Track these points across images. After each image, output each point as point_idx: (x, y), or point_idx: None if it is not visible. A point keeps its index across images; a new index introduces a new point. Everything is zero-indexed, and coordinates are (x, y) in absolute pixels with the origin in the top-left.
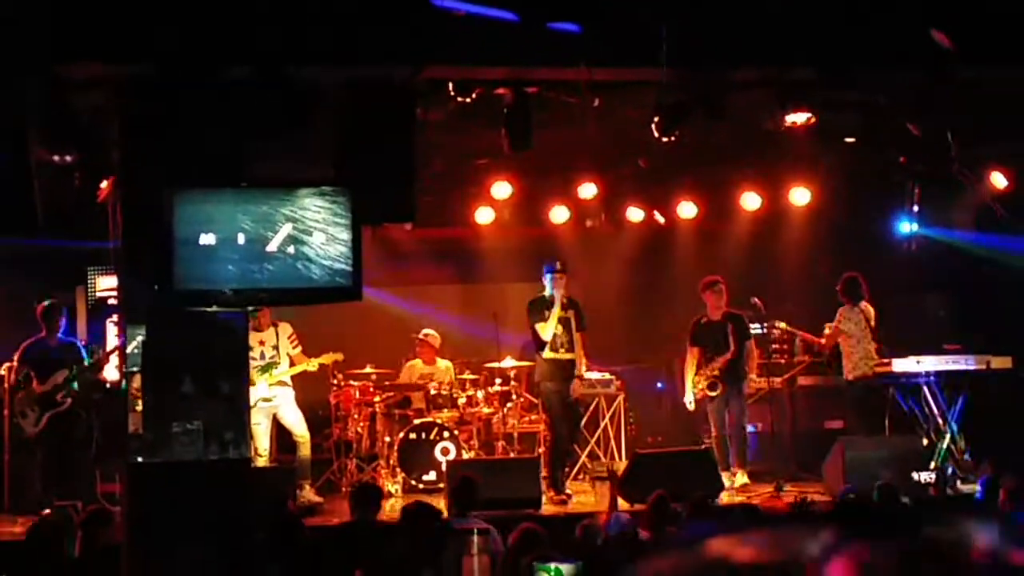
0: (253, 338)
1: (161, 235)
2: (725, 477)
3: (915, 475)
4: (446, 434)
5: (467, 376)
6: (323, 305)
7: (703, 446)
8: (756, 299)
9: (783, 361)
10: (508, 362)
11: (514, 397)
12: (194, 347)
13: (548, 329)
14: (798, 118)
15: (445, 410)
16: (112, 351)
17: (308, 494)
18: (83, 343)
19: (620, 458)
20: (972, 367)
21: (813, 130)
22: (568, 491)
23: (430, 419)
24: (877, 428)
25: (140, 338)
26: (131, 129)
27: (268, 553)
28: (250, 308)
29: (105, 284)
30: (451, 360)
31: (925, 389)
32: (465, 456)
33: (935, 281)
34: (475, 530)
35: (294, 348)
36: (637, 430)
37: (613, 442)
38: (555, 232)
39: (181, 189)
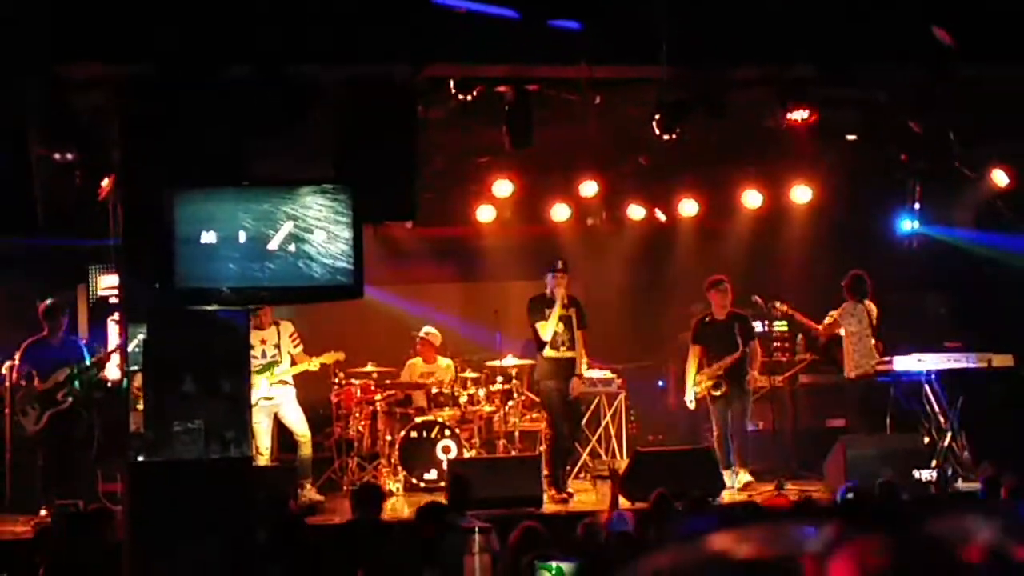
0: (254, 337)
1: (162, 234)
2: (726, 476)
3: (916, 473)
4: (447, 432)
5: (468, 374)
6: (324, 304)
7: (704, 445)
8: (757, 297)
9: (784, 359)
10: (509, 360)
11: (515, 395)
12: (195, 346)
13: (548, 328)
14: (799, 116)
15: (446, 408)
16: (113, 350)
17: (309, 493)
18: (85, 342)
19: (621, 456)
20: (973, 365)
21: (814, 128)
22: (569, 490)
23: (431, 418)
24: (878, 426)
25: (141, 337)
26: (131, 128)
27: (269, 552)
28: (251, 307)
29: (106, 283)
30: (452, 358)
31: (926, 387)
32: (466, 455)
33: (936, 279)
34: (476, 528)
35: (295, 347)
36: (638, 428)
37: (614, 440)
38: (556, 230)
39: (182, 188)
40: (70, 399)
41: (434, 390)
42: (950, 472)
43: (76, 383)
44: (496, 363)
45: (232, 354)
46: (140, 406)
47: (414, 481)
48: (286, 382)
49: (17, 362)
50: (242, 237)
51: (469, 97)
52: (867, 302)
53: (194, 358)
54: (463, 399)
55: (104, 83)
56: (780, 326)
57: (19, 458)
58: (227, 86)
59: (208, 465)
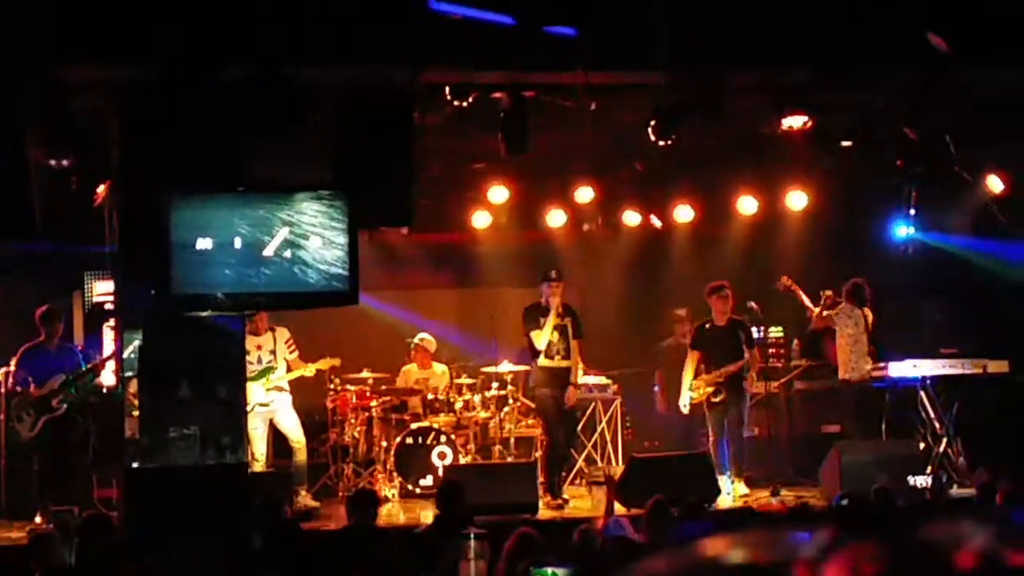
0: (250, 343)
1: (158, 240)
2: (722, 481)
3: (911, 479)
4: (443, 439)
5: (464, 380)
6: (320, 309)
7: (700, 450)
8: (753, 303)
9: (780, 365)
10: (505, 366)
11: (511, 402)
12: (191, 352)
13: (543, 337)
14: (795, 122)
15: (442, 415)
16: (109, 356)
17: (305, 499)
18: (80, 348)
19: (617, 462)
20: (968, 371)
21: (810, 134)
22: (565, 496)
23: (427, 424)
24: (874, 432)
25: (137, 343)
26: (129, 132)
27: (265, 558)
28: (247, 312)
29: (102, 288)
30: (448, 364)
31: (922, 393)
32: (462, 461)
33: (932, 285)
34: (472, 535)
35: (291, 353)
36: (634, 434)
37: (610, 446)
38: (552, 236)
39: (178, 193)
40: (65, 405)
41: (430, 396)
42: (945, 478)
43: (72, 389)
44: (492, 369)
45: (228, 360)
46: (136, 412)
47: (410, 487)
48: (282, 388)
49: (13, 368)
50: (238, 243)
51: (465, 103)
52: (865, 309)
53: (190, 364)
54: (459, 405)
55: (102, 86)
56: (776, 332)
57: (14, 464)
58: (225, 90)
59: (204, 471)
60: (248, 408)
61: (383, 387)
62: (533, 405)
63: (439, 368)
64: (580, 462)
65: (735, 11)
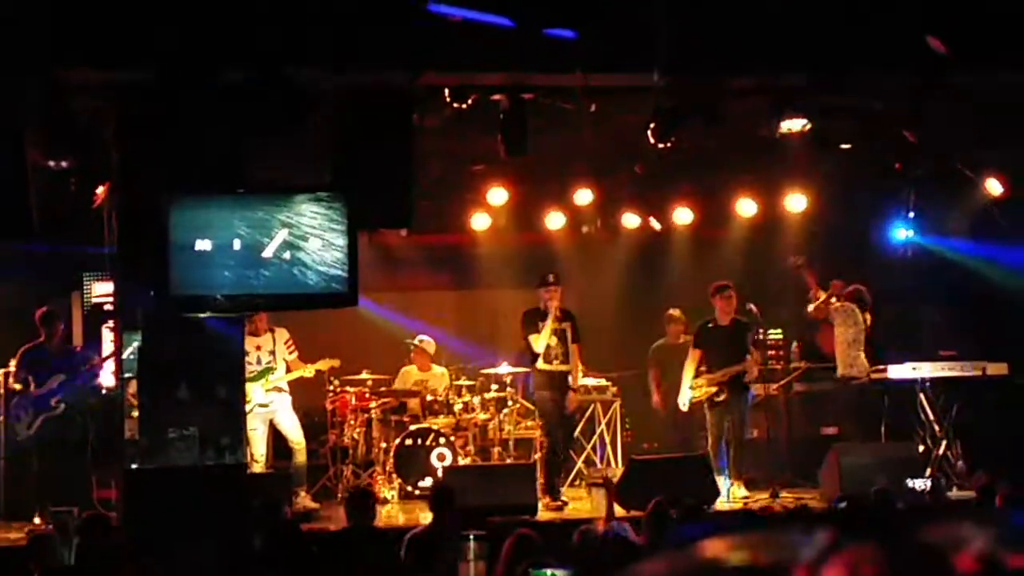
0: (249, 343)
1: (157, 241)
2: (720, 481)
3: (910, 482)
4: (442, 440)
5: (463, 382)
6: (319, 311)
7: (699, 452)
8: (752, 305)
9: (779, 367)
10: (504, 368)
11: (510, 403)
12: (190, 353)
13: (541, 341)
14: (794, 125)
15: (441, 416)
16: (107, 357)
17: (304, 500)
18: (80, 349)
19: (616, 464)
20: (968, 373)
21: (809, 137)
22: (563, 497)
23: (426, 425)
24: (873, 434)
25: (136, 344)
26: (128, 133)
27: (264, 559)
28: (246, 314)
29: (101, 289)
30: (447, 366)
31: (921, 395)
32: (461, 462)
33: (931, 287)
34: (471, 536)
35: (291, 353)
36: (633, 436)
37: (609, 448)
38: (551, 238)
39: (177, 195)
40: (63, 405)
41: (429, 398)
42: (944, 480)
43: (71, 391)
44: (491, 370)
45: (227, 361)
46: (135, 413)
47: (409, 489)
48: (281, 389)
49: (14, 368)
50: (237, 244)
51: (464, 105)
52: (866, 313)
53: (189, 365)
54: (458, 407)
55: (101, 87)
56: (775, 334)
57: (13, 465)
58: (224, 91)
59: (203, 472)
60: (247, 409)
61: (382, 388)
62: (532, 407)
63: (438, 370)
64: (579, 464)
65: (734, 14)
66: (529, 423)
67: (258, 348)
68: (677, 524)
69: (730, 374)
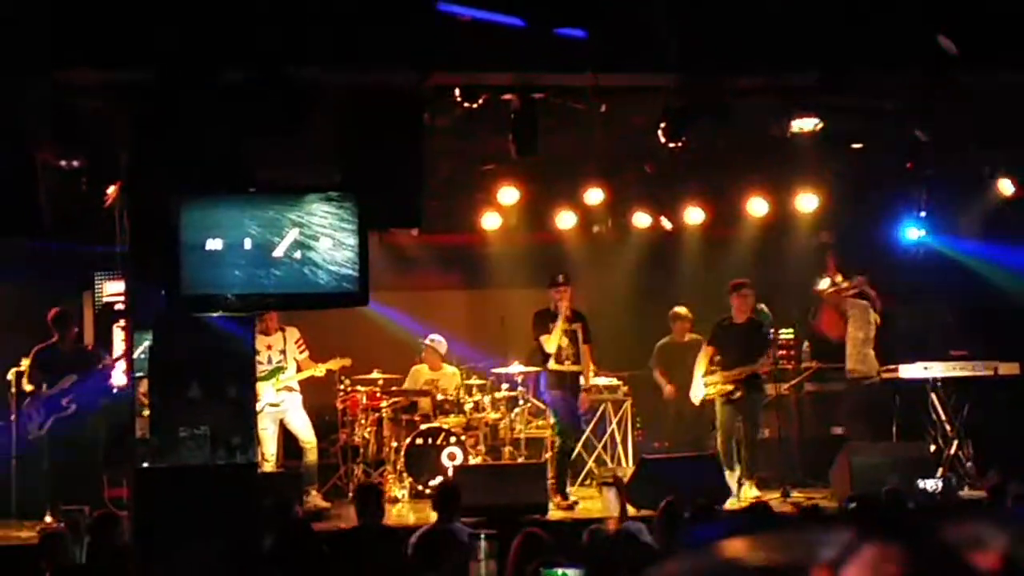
0: (260, 343)
1: (168, 240)
2: (729, 477)
3: (921, 482)
4: (453, 439)
5: (474, 381)
6: (330, 310)
7: (710, 452)
8: (763, 305)
9: (790, 367)
10: (515, 367)
11: (521, 402)
12: (201, 352)
13: (552, 342)
14: (804, 124)
15: (452, 415)
16: (119, 358)
17: (315, 499)
18: (92, 348)
19: (627, 463)
20: (979, 373)
21: (820, 136)
22: (573, 497)
23: (437, 424)
24: (883, 434)
25: (147, 343)
26: (137, 133)
27: (275, 558)
28: (257, 313)
29: (112, 289)
30: (458, 366)
31: (932, 395)
32: (472, 461)
33: (942, 287)
34: (482, 535)
35: (301, 353)
36: (644, 435)
37: (620, 447)
38: (561, 238)
39: (188, 194)
40: (75, 406)
41: (440, 397)
42: (954, 481)
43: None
44: (502, 370)
45: (238, 360)
46: (146, 412)
47: (419, 488)
48: (292, 388)
49: (27, 368)
50: (248, 244)
51: (475, 105)
52: (875, 312)
53: (200, 364)
54: (468, 406)
55: (109, 88)
56: (786, 334)
57: (25, 464)
58: (233, 91)
59: (214, 471)
60: (258, 408)
61: (393, 388)
62: (543, 406)
63: (449, 369)
64: (590, 463)
65: (744, 13)
66: (540, 422)
67: (269, 348)
68: (689, 524)
69: (746, 372)
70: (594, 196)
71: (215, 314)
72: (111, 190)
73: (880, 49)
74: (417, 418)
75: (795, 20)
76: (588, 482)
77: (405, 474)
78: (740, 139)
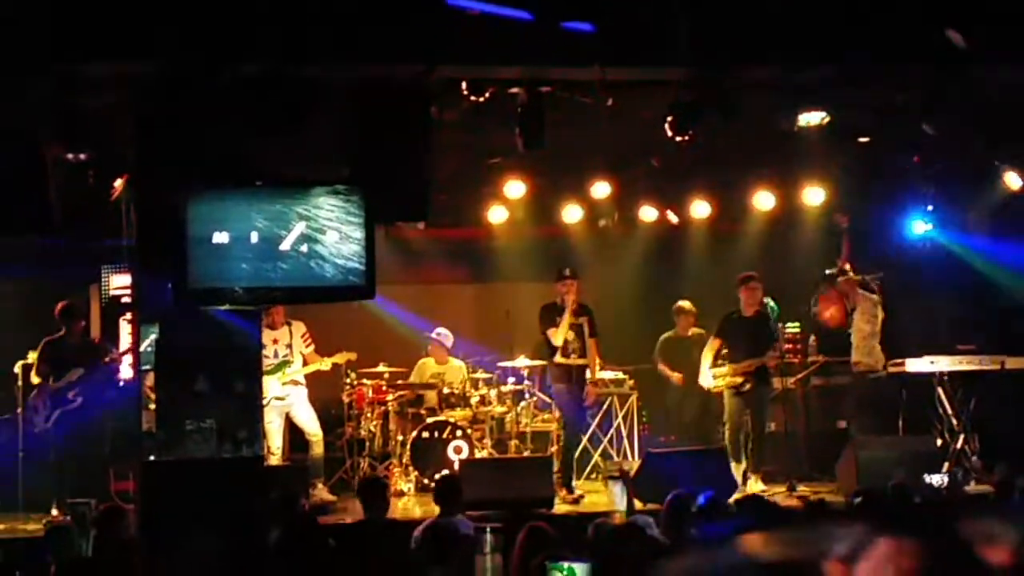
0: (266, 336)
1: (175, 234)
2: (735, 469)
3: (927, 477)
4: (459, 433)
5: (480, 375)
6: (336, 303)
7: (717, 446)
8: (769, 299)
9: (797, 361)
10: (521, 361)
11: (527, 396)
12: (208, 345)
13: (559, 335)
14: (812, 118)
15: (458, 409)
16: (125, 351)
17: (321, 492)
18: (99, 342)
19: (633, 457)
20: (986, 367)
21: (827, 130)
22: (579, 491)
23: (443, 418)
24: (889, 428)
25: (153, 336)
26: (144, 127)
27: (281, 551)
28: (263, 306)
29: (119, 282)
30: (464, 359)
31: (939, 389)
32: (478, 455)
33: (950, 281)
34: (488, 528)
35: (307, 347)
36: (649, 429)
37: (626, 441)
38: (568, 231)
39: (194, 188)
40: (81, 399)
41: (446, 390)
42: (961, 475)
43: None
44: (508, 363)
45: (244, 354)
46: (152, 405)
47: (425, 481)
48: (298, 382)
49: (35, 361)
50: (254, 237)
51: (482, 98)
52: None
53: (206, 358)
54: (475, 399)
55: (117, 82)
56: (792, 328)
57: (31, 457)
58: (241, 85)
59: (220, 464)
60: (264, 402)
61: (399, 381)
62: (549, 400)
63: (455, 362)
64: (596, 457)
65: (751, 7)
66: (546, 416)
67: (275, 341)
68: (699, 519)
69: (756, 365)
70: (601, 190)
71: (222, 307)
72: (118, 184)
73: (888, 43)
74: (423, 411)
75: (803, 14)
76: (594, 476)
77: (411, 467)
78: (747, 133)
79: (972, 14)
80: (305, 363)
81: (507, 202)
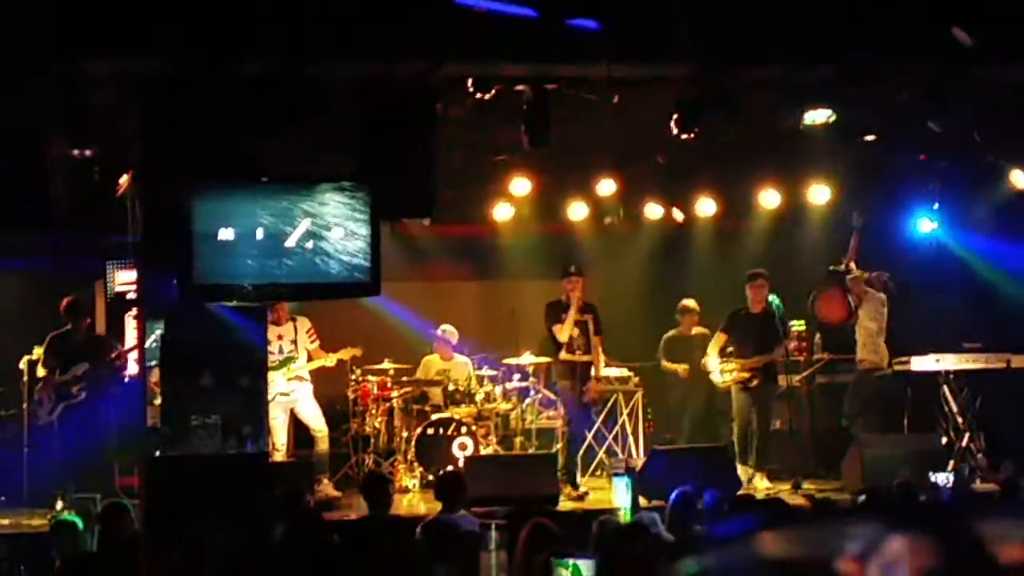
0: (271, 332)
1: (180, 230)
2: (742, 471)
3: (932, 475)
4: (464, 430)
5: (485, 372)
6: (342, 300)
7: (721, 443)
8: (775, 297)
9: (802, 359)
10: (526, 358)
11: (532, 393)
12: (213, 341)
13: (564, 332)
14: (818, 116)
15: (463, 406)
16: (130, 349)
17: (326, 488)
18: (105, 336)
19: (638, 454)
20: (992, 366)
21: (833, 128)
22: (583, 488)
23: (448, 415)
24: (894, 426)
25: (158, 332)
26: (149, 124)
27: (286, 547)
28: (268, 302)
29: (124, 278)
30: (469, 356)
31: (944, 387)
32: (483, 452)
33: (955, 279)
34: (493, 525)
35: (312, 343)
36: (654, 427)
37: (631, 438)
38: (573, 229)
39: (200, 184)
40: (85, 394)
41: (451, 387)
42: (967, 473)
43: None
44: (513, 360)
45: (249, 350)
46: (157, 401)
47: (430, 478)
48: (303, 378)
49: (42, 354)
50: (260, 234)
51: (487, 96)
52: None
53: (211, 353)
54: (480, 396)
55: (121, 78)
56: (798, 326)
57: (36, 451)
58: (246, 81)
59: (225, 460)
60: (269, 398)
61: (404, 378)
62: (554, 397)
63: (460, 359)
64: (601, 454)
65: (757, 5)
66: (551, 413)
67: (280, 337)
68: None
69: (764, 361)
70: (606, 187)
71: (228, 303)
72: (123, 179)
73: (894, 41)
74: (428, 408)
75: (809, 12)
76: (599, 473)
77: (416, 464)
78: (753, 131)
79: (977, 11)
80: (310, 359)
81: (513, 199)
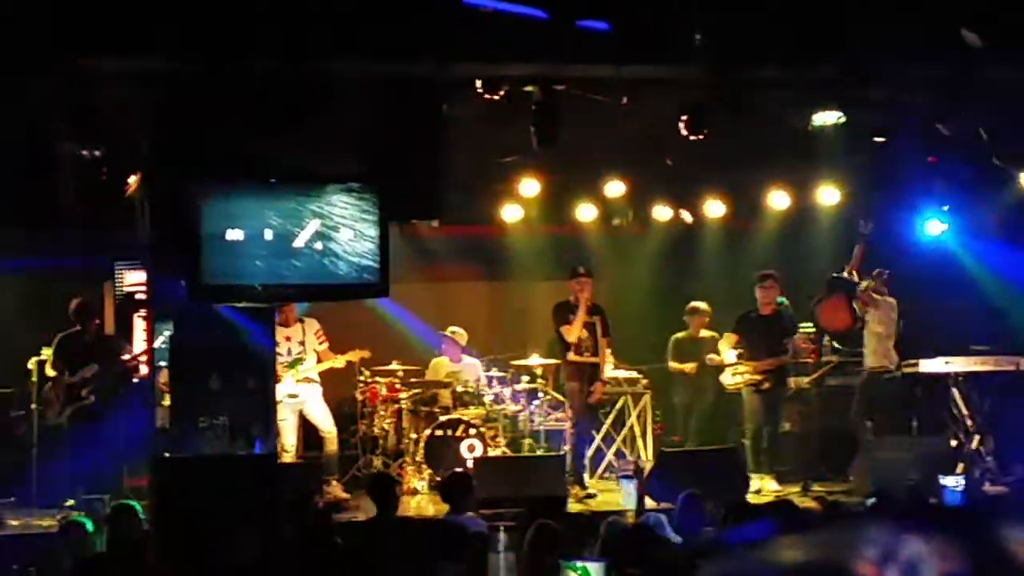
0: (279, 334)
1: (188, 230)
2: (755, 477)
3: (942, 479)
4: (472, 431)
5: (494, 373)
6: (350, 301)
7: (731, 445)
8: (783, 299)
9: (811, 361)
10: (535, 359)
11: (541, 395)
12: (221, 342)
13: (573, 333)
14: (827, 117)
15: (471, 407)
16: (141, 353)
17: (335, 490)
18: (114, 336)
19: (646, 456)
20: (1001, 368)
21: (842, 129)
22: (591, 489)
23: (456, 416)
24: (903, 428)
25: (167, 333)
26: (157, 123)
27: (295, 548)
28: (277, 304)
29: (132, 279)
30: (478, 357)
31: (953, 390)
32: (491, 453)
33: (964, 281)
34: (501, 527)
35: (321, 344)
36: (663, 428)
37: (639, 440)
38: (582, 230)
39: (208, 185)
40: (93, 397)
41: (459, 389)
42: (977, 475)
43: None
44: (522, 362)
45: (257, 351)
46: (166, 402)
47: (439, 479)
48: (311, 379)
49: (51, 355)
50: (268, 235)
51: (496, 96)
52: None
53: (220, 355)
54: (488, 398)
55: (128, 79)
56: (806, 328)
57: (45, 453)
58: (254, 81)
59: (234, 461)
60: (278, 399)
61: (413, 379)
62: (563, 398)
63: (470, 361)
64: (610, 455)
65: (766, 6)
66: (559, 414)
67: (288, 339)
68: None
69: (775, 364)
70: (615, 189)
71: (237, 304)
72: (132, 180)
73: (903, 42)
74: (437, 410)
75: (818, 13)
76: (607, 474)
77: (424, 465)
78: (762, 132)
79: (987, 13)
80: (319, 360)
81: (521, 200)
